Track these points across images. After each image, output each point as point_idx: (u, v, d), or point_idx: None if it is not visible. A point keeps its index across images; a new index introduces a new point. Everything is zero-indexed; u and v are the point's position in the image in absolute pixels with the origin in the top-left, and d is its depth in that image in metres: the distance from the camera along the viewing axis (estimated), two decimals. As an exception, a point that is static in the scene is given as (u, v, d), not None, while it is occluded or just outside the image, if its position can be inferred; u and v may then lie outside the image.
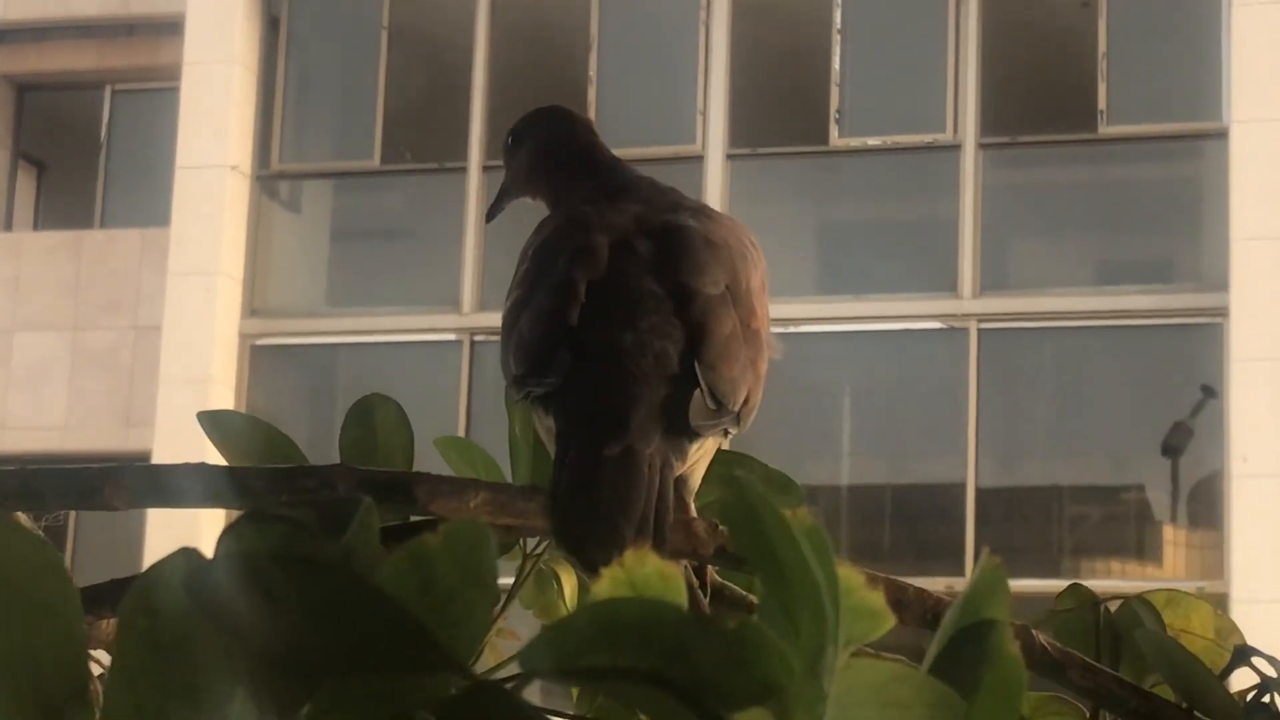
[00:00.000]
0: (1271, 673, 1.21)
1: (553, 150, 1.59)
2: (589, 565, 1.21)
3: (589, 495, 1.22)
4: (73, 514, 13.45)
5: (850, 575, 0.75)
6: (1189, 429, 12.43)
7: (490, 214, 1.73)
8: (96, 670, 1.01)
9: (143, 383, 13.90)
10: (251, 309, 13.79)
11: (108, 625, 1.20)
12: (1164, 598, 1.36)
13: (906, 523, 13.18)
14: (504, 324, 1.42)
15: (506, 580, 1.37)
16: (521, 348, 1.37)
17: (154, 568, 0.76)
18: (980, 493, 12.51)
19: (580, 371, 1.32)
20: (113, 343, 14.43)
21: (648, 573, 0.76)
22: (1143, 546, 12.73)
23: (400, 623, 0.71)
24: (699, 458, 1.35)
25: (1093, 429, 12.89)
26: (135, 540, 11.96)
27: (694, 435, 1.31)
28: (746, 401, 1.36)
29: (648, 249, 1.41)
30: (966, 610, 0.79)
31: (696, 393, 1.31)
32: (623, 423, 1.27)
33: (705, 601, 1.33)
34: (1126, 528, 12.87)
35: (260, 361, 13.77)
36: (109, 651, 0.82)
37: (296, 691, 0.74)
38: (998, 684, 0.78)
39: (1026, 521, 12.78)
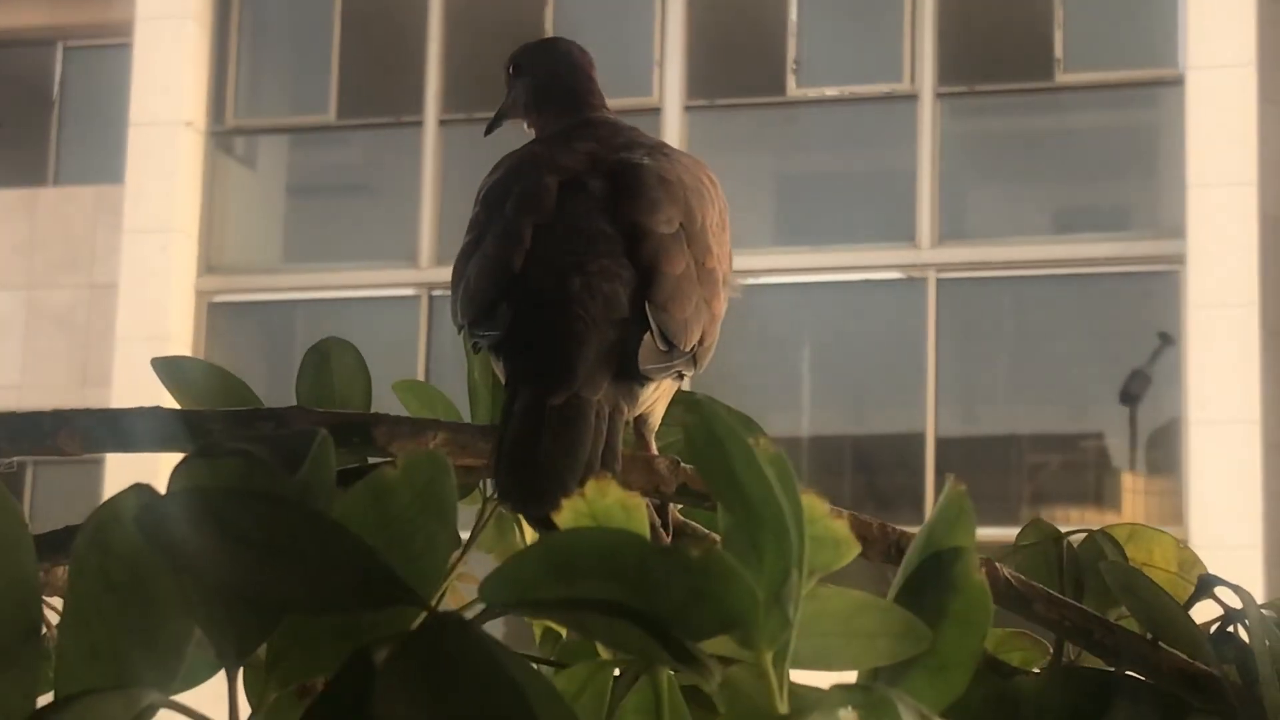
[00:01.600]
0: (1236, 604, 1.21)
1: (545, 84, 1.57)
2: (533, 518, 1.19)
3: (531, 446, 1.18)
4: (30, 463, 13.38)
5: (814, 503, 0.74)
6: (1147, 376, 12.47)
7: (488, 130, 1.71)
8: (53, 619, 1.00)
9: (99, 341, 13.82)
10: (208, 266, 13.71)
11: (62, 572, 1.19)
12: (1126, 531, 1.35)
13: (867, 473, 13.21)
14: (454, 271, 1.40)
15: (466, 527, 1.36)
16: (468, 296, 1.34)
17: (107, 504, 0.74)
18: (940, 442, 12.54)
19: (528, 318, 1.29)
20: (68, 301, 14.34)
21: (609, 504, 0.75)
22: (1102, 494, 12.79)
23: (358, 556, 0.70)
24: (655, 399, 1.32)
25: (1051, 377, 12.92)
26: (93, 488, 11.91)
27: (644, 379, 1.27)
28: (702, 342, 1.33)
29: (600, 188, 1.39)
30: (931, 538, 0.78)
31: (646, 335, 1.28)
32: (569, 370, 1.23)
33: (667, 540, 1.31)
34: (1086, 475, 12.92)
35: (217, 319, 13.71)
36: (64, 597, 0.81)
37: (254, 628, 0.73)
38: (964, 611, 0.77)
39: (986, 470, 12.81)
